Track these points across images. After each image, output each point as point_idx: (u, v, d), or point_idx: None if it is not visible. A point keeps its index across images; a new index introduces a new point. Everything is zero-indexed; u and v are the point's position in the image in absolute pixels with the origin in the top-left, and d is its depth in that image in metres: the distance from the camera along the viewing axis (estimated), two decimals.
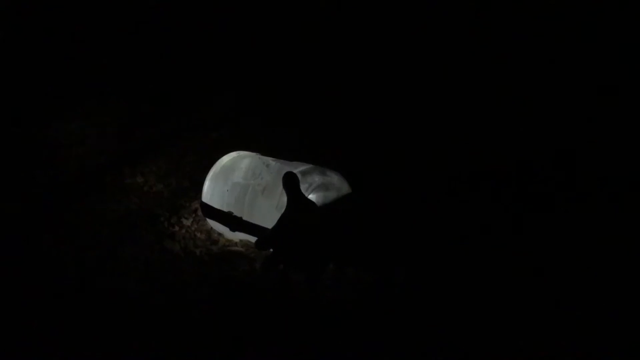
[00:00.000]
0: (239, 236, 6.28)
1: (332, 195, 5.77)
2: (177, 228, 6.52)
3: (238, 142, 7.86)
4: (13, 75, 9.44)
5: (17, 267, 5.81)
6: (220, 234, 6.51)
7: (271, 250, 5.49)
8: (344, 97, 9.17)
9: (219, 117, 9.05)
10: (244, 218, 5.96)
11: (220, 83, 9.87)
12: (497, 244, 6.09)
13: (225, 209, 6.12)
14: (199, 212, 6.72)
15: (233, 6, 10.86)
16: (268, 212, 5.75)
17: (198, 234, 6.52)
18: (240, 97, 9.41)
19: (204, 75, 10.05)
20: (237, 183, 6.11)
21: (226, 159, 6.38)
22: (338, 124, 8.54)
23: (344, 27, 10.35)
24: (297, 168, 5.71)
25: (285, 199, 5.36)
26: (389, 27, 10.23)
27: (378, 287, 5.75)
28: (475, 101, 8.80)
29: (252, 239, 6.20)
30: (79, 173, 7.60)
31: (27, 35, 10.05)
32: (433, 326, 5.10)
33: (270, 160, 6.20)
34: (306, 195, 5.38)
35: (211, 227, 6.62)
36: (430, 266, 5.89)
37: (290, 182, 5.25)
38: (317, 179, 5.72)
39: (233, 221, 5.97)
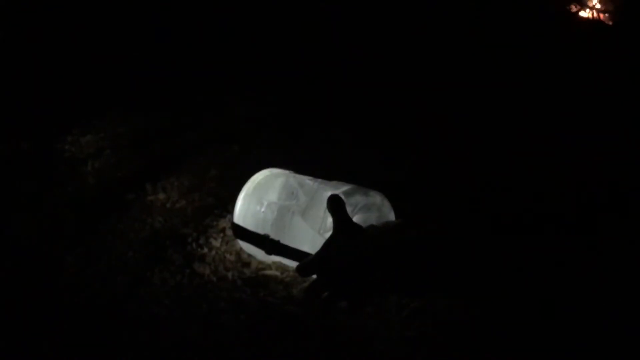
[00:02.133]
0: (271, 258, 5.96)
1: (374, 217, 5.48)
2: (206, 250, 6.17)
3: (261, 153, 7.57)
4: (22, 85, 9.19)
5: (39, 292, 5.52)
6: (250, 255, 6.18)
7: (314, 276, 5.21)
8: (372, 106, 8.94)
9: (240, 127, 8.78)
10: (281, 241, 5.65)
11: (240, 93, 9.62)
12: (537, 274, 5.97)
13: (260, 231, 5.79)
14: (227, 232, 6.38)
15: (254, 16, 10.72)
16: (307, 235, 5.42)
17: (228, 256, 6.16)
18: (262, 107, 9.15)
19: (222, 85, 9.80)
20: (273, 203, 5.75)
21: (259, 176, 6.00)
22: (367, 136, 8.26)
23: (381, 37, 10.19)
24: (338, 189, 5.39)
25: (328, 221, 5.08)
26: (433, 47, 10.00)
27: (420, 314, 5.56)
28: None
29: (287, 261, 5.89)
30: (97, 189, 7.27)
31: (38, 44, 9.81)
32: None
33: (305, 179, 5.84)
34: (352, 217, 5.12)
35: (240, 248, 6.28)
36: (473, 294, 5.72)
37: (336, 205, 4.96)
38: (360, 200, 5.42)
39: (270, 244, 5.64)
